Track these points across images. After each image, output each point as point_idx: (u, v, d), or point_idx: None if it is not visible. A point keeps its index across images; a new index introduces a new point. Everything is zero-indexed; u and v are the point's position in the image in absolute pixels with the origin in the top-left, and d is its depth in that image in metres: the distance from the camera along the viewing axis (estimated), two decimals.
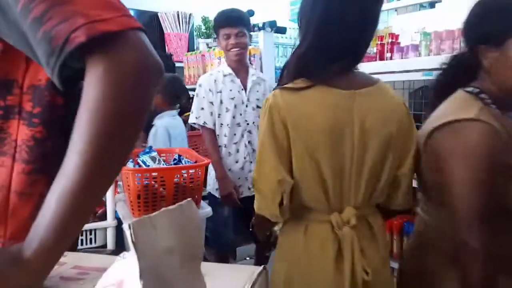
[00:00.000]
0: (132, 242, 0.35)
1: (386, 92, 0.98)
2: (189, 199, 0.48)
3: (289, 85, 0.93)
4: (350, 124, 0.91)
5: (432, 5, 2.15)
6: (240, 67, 2.09)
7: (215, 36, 2.21)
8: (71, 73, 0.49)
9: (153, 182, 1.47)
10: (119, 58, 0.47)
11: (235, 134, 2.05)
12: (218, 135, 2.06)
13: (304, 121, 0.90)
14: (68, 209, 0.47)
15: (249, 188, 2.09)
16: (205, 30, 3.75)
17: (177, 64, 3.43)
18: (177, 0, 4.01)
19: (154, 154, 1.63)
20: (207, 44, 3.68)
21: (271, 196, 0.92)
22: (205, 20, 3.77)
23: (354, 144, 0.91)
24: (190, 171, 1.54)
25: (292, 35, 4.20)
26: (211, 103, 2.04)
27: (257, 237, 1.16)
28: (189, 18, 3.86)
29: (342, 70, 0.93)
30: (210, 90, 2.04)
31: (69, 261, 0.60)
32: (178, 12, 3.78)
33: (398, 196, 1.00)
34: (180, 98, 2.62)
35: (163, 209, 0.41)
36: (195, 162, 1.68)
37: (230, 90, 2.04)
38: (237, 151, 2.07)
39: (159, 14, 3.82)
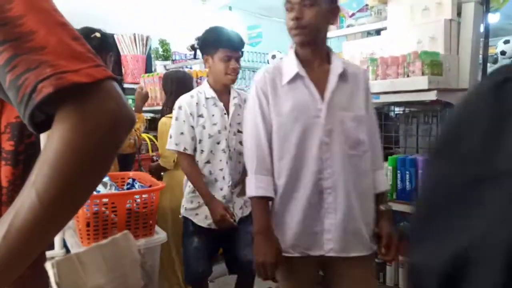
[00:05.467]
0: (56, 283, 0.34)
1: None
2: (125, 231, 0.47)
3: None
4: None
5: (378, 33, 2.28)
6: (223, 90, 1.94)
7: (204, 54, 1.94)
8: (43, 118, 0.48)
9: (103, 209, 1.42)
10: (91, 111, 0.46)
11: (220, 160, 1.89)
12: (197, 161, 1.89)
13: None
14: (14, 248, 0.45)
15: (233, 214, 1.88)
16: (162, 53, 3.75)
17: (134, 86, 3.38)
18: (133, 23, 3.99)
19: (105, 179, 1.57)
20: (165, 66, 3.67)
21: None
22: (162, 42, 3.77)
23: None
24: (143, 196, 1.51)
25: (249, 59, 4.30)
26: (192, 127, 1.88)
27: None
28: (146, 40, 3.84)
29: None
30: (191, 114, 1.88)
31: None
32: (134, 34, 3.75)
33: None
34: None
35: (94, 244, 0.40)
36: (150, 186, 1.65)
37: (213, 115, 1.89)
38: (223, 178, 1.88)
39: (115, 36, 3.77)
